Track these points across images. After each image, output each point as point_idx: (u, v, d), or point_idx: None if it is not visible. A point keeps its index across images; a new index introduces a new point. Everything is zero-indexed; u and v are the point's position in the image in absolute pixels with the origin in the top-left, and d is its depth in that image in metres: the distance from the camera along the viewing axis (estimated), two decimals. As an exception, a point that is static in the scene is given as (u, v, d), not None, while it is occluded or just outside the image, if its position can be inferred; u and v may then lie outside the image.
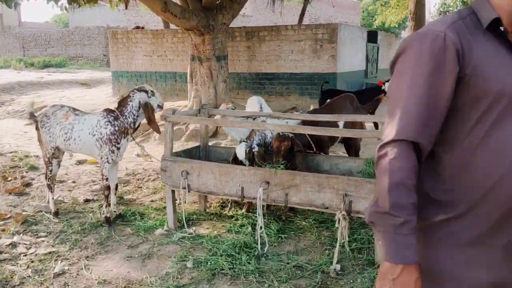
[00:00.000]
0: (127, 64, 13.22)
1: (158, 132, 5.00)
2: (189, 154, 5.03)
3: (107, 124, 4.65)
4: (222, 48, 9.71)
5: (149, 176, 6.85)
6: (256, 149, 4.61)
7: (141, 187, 6.28)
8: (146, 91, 4.71)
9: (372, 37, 12.67)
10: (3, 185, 6.19)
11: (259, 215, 3.98)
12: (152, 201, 5.64)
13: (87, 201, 5.66)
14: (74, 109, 4.94)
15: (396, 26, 22.10)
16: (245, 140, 4.64)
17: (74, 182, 6.50)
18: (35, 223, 4.86)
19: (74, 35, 30.76)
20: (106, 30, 29.54)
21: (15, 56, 29.06)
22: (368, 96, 8.33)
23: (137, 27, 14.33)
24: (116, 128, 4.65)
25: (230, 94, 10.11)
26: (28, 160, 7.51)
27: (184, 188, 4.40)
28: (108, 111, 4.77)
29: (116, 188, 5.00)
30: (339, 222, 3.65)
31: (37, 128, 5.05)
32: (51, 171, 5.05)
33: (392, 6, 17.53)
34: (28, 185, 6.29)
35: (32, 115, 5.19)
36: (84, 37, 30.51)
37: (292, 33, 10.66)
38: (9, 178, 6.49)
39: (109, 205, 4.80)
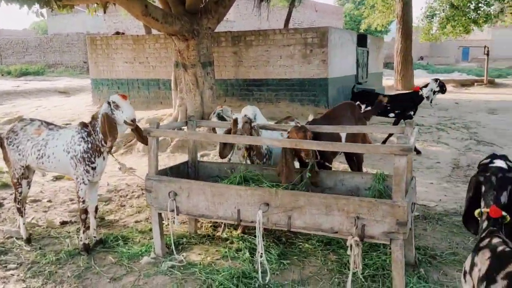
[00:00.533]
0: (108, 71, 12.64)
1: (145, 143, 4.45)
2: (176, 171, 4.55)
3: (81, 141, 4.15)
4: (208, 54, 9.26)
5: (132, 192, 6.33)
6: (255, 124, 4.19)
7: (124, 205, 5.76)
8: (108, 103, 4.11)
9: (361, 41, 12.35)
10: (-30, 207, 5.59)
11: (259, 242, 3.52)
12: (136, 221, 5.13)
13: (63, 223, 5.12)
14: (48, 123, 4.42)
15: (381, 30, 22.02)
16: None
17: (49, 201, 5.93)
18: (4, 252, 4.30)
19: (53, 42, 30.05)
20: (86, 36, 28.90)
21: (-10, 64, 28.14)
22: (402, 102, 8.00)
23: (117, 33, 13.77)
24: (89, 146, 4.14)
25: (217, 101, 9.65)
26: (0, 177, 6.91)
27: (172, 210, 3.93)
28: (83, 125, 4.25)
29: (96, 211, 4.48)
30: (351, 249, 3.21)
31: (1, 146, 4.51)
32: (20, 193, 4.50)
33: (379, 9, 17.36)
34: (-1, 205, 5.72)
35: None
36: (63, 44, 29.82)
37: (280, 37, 10.27)
38: (-23, 199, 5.90)
39: (87, 229, 4.28)
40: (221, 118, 5.16)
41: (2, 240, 4.60)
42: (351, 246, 3.22)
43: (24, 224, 4.52)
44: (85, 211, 4.26)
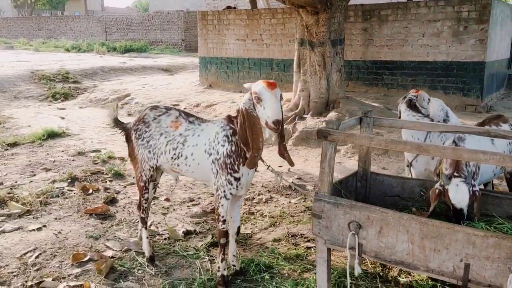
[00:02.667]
0: (217, 49, 11.75)
1: (292, 163, 3.18)
2: (345, 186, 3.32)
3: (224, 140, 3.05)
4: (339, 30, 7.88)
5: (259, 195, 5.27)
6: (477, 189, 2.79)
7: (252, 213, 4.71)
8: (251, 94, 2.87)
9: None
10: (82, 201, 4.88)
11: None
12: (275, 240, 4.03)
13: (188, 233, 4.17)
14: (187, 114, 3.40)
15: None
16: (455, 174, 2.83)
17: (167, 199, 5.06)
18: (124, 275, 3.41)
19: (154, 20, 30.42)
20: (186, 14, 28.77)
21: (97, 40, 29.17)
22: None
23: (229, 7, 12.79)
24: (233, 148, 3.02)
25: (344, 87, 8.27)
26: (112, 164, 6.23)
27: (353, 248, 2.71)
28: (228, 119, 3.14)
29: (238, 233, 3.42)
30: None
31: (128, 140, 3.58)
32: (146, 199, 3.57)
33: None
34: (112, 201, 4.95)
35: (116, 122, 3.70)
36: (164, 22, 30.10)
37: (425, 11, 8.53)
38: (90, 190, 5.19)
39: (224, 258, 3.23)
40: (412, 106, 3.81)
41: (119, 253, 3.74)
42: None
43: (147, 238, 3.60)
44: (226, 234, 3.20)
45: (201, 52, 12.20)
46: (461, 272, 2.42)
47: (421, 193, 3.19)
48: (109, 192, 5.17)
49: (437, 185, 2.80)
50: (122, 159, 6.57)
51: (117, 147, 7.38)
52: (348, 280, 2.83)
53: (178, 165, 3.26)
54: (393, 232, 2.59)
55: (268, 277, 3.34)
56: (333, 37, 7.76)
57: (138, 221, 4.24)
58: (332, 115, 7.44)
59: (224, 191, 3.09)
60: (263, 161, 3.10)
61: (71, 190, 5.21)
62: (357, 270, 2.77)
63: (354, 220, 2.72)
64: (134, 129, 3.46)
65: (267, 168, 3.16)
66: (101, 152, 6.89)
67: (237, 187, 3.11)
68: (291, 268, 3.48)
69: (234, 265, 3.37)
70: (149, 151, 3.35)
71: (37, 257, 3.68)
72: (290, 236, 4.12)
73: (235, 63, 11.42)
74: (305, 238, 4.08)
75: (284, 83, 10.57)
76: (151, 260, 3.56)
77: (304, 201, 5.03)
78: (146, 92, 11.95)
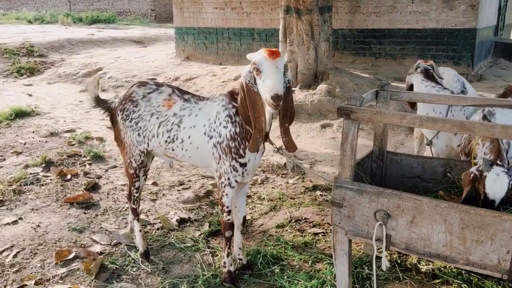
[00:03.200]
0: (194, 19, 11.11)
1: (293, 148, 2.79)
2: (361, 168, 3.01)
3: (227, 121, 2.66)
4: (327, -4, 7.45)
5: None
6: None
7: (250, 196, 4.37)
8: (251, 65, 2.46)
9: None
10: (61, 188, 4.43)
11: None
12: (278, 226, 3.72)
13: (182, 222, 3.81)
14: (181, 91, 2.97)
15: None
16: (497, 162, 2.53)
17: (155, 183, 4.66)
18: (116, 274, 3.04)
19: (120, -11, 29.04)
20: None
21: (61, 11, 27.64)
22: None
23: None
24: (238, 130, 2.64)
25: (332, 57, 7.91)
26: (89, 145, 5.75)
27: (379, 240, 2.42)
28: (230, 96, 2.73)
29: (244, 223, 3.07)
30: None
31: (113, 121, 3.14)
32: (137, 188, 3.17)
33: None
34: (94, 187, 4.51)
35: (98, 101, 3.23)
36: (131, -9, 28.78)
37: (414, -25, 8.17)
38: (68, 176, 4.73)
39: (230, 252, 2.89)
40: (430, 76, 3.46)
41: (108, 248, 3.36)
42: None
43: (140, 231, 3.21)
44: (231, 226, 2.85)
45: (177, 22, 11.53)
46: (507, 265, 2.17)
47: (448, 174, 2.90)
48: (89, 177, 4.73)
49: (473, 169, 2.51)
50: (101, 139, 6.09)
51: (93, 126, 6.85)
52: (374, 276, 2.54)
53: (173, 150, 2.86)
54: (428, 221, 2.30)
55: (278, 270, 3.03)
56: (321, 3, 7.33)
57: (127, 210, 3.87)
58: (322, 87, 7.09)
59: (229, 179, 2.73)
60: (271, 143, 2.73)
61: (47, 176, 4.74)
62: (385, 264, 2.48)
63: (382, 208, 2.42)
64: (121, 109, 3.01)
65: (277, 151, 2.80)
66: (76, 132, 6.37)
67: (242, 173, 2.75)
68: (301, 259, 3.18)
69: (240, 259, 3.04)
70: (139, 134, 2.93)
71: (15, 256, 3.26)
72: (293, 221, 3.81)
73: (213, 33, 10.83)
74: (310, 223, 3.79)
75: (266, 54, 10.12)
76: (146, 255, 3.19)
77: (303, 181, 4.72)
78: (120, 65, 11.27)
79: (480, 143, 2.67)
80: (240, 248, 3.05)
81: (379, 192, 2.42)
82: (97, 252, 3.28)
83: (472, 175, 2.51)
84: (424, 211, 2.31)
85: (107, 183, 4.65)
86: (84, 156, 5.39)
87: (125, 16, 27.97)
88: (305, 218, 3.86)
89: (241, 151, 2.67)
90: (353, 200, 2.49)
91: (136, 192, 3.19)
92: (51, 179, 4.65)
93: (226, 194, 2.77)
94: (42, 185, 4.52)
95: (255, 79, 2.44)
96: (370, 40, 8.85)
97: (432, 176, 3.04)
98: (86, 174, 4.84)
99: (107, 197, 4.32)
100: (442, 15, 8.05)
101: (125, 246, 3.38)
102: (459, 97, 2.85)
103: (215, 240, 3.51)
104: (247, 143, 2.65)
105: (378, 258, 2.49)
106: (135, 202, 3.20)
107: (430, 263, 3.06)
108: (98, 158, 5.36)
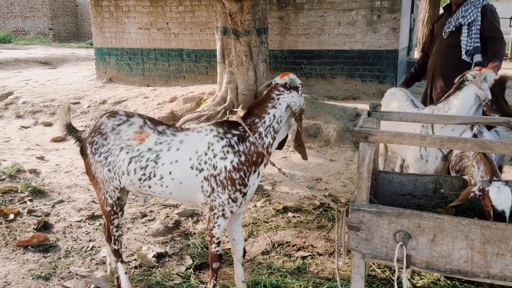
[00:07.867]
0: (116, 39, 10.59)
1: (305, 157, 2.83)
2: (358, 188, 3.03)
3: (227, 152, 2.53)
4: (263, 19, 7.58)
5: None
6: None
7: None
8: (297, 87, 2.62)
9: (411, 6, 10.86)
10: (7, 231, 3.88)
11: None
12: (263, 252, 3.60)
13: (160, 256, 3.53)
14: (154, 122, 2.73)
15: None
16: (494, 179, 2.70)
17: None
18: (105, 325, 2.70)
19: (14, 6, 27.16)
20: (51, 0, 25.93)
21: None
22: None
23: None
24: (243, 158, 2.54)
25: (270, 78, 8.00)
26: (23, 179, 5.14)
27: (401, 260, 2.45)
28: (227, 126, 2.62)
29: (244, 255, 2.91)
30: None
31: (83, 153, 2.82)
32: (117, 226, 2.87)
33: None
34: (45, 226, 4.02)
35: (70, 129, 2.91)
36: (25, 9, 27.04)
37: (340, 0, 8.62)
38: (11, 215, 4.17)
39: (216, 284, 2.73)
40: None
41: (87, 296, 2.98)
42: None
43: (126, 273, 2.90)
44: (220, 258, 2.69)
45: (97, 43, 10.91)
46: (524, 275, 2.30)
47: (440, 190, 3.03)
48: (36, 216, 4.20)
49: (475, 189, 2.64)
50: (34, 171, 5.48)
51: (19, 157, 6.14)
52: (394, 295, 2.55)
53: (150, 187, 2.62)
54: (449, 239, 2.37)
55: (282, 301, 2.92)
56: (258, 25, 7.43)
57: (93, 250, 3.49)
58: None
59: (223, 210, 2.58)
60: (272, 164, 2.66)
61: (-16, 219, 4.12)
62: (406, 285, 2.50)
63: (401, 229, 2.44)
64: (90, 141, 2.71)
65: (279, 172, 2.73)
66: (2, 165, 5.66)
67: (241, 203, 2.62)
68: (301, 286, 3.10)
69: (243, 293, 2.88)
70: (109, 170, 2.65)
71: (-28, 319, 2.75)
72: (276, 246, 3.72)
73: (138, 54, 10.42)
74: (293, 246, 3.73)
75: (196, 75, 9.98)
76: (136, 301, 2.88)
77: (270, 203, 4.66)
78: (33, 89, 10.32)
79: (475, 166, 2.83)
80: (243, 282, 2.89)
81: (399, 213, 2.44)
82: (76, 303, 2.89)
83: (471, 194, 2.64)
84: (445, 229, 2.36)
85: (59, 221, 4.17)
86: (21, 192, 4.80)
87: (22, 36, 25.99)
88: (287, 242, 3.79)
89: (246, 180, 2.55)
90: (371, 222, 2.48)
91: (116, 231, 2.88)
92: (-10, 222, 4.05)
93: (219, 226, 2.61)
94: (-19, 229, 3.91)
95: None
96: (301, 61, 9.16)
97: (423, 193, 3.15)
98: (30, 212, 4.30)
99: (65, 236, 3.87)
100: (367, 37, 8.61)
101: (106, 293, 3.03)
102: (449, 116, 3.02)
103: (204, 274, 3.29)
104: (254, 167, 2.56)
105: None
106: (116, 242, 2.88)
107: (424, 277, 3.16)
108: (38, 193, 4.81)
